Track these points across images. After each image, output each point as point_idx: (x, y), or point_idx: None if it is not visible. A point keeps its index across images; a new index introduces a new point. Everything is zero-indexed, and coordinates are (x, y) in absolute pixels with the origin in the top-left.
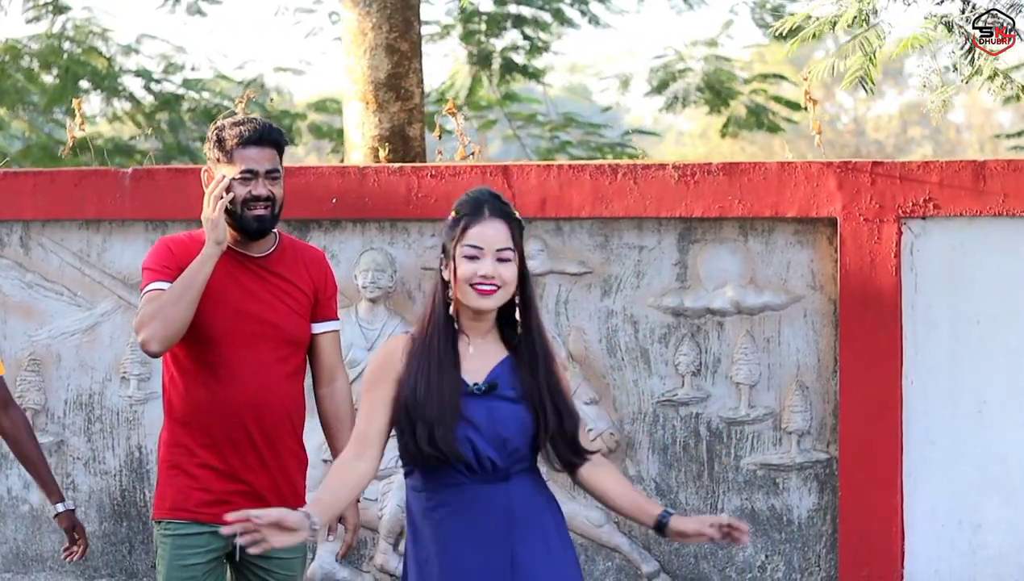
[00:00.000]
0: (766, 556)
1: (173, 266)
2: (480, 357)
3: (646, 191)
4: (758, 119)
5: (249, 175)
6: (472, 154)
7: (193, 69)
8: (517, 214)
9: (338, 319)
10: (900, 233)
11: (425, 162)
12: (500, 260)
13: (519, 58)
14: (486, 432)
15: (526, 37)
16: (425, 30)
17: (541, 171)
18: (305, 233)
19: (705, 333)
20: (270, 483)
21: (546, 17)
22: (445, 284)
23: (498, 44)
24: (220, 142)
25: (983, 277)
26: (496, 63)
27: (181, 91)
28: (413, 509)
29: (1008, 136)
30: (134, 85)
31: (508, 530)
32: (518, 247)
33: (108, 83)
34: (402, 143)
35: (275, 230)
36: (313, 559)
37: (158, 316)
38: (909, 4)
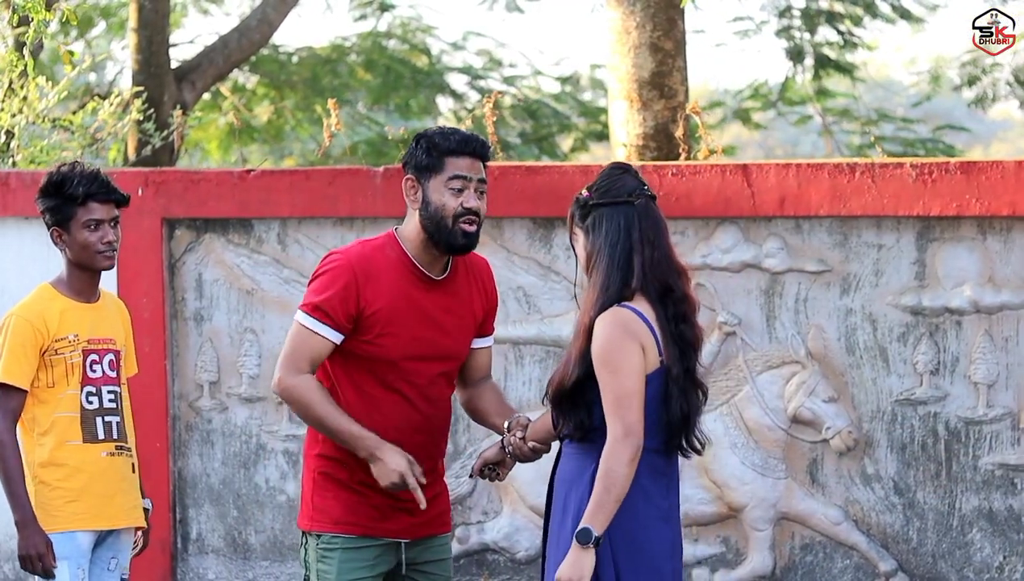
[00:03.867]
0: (1004, 557)
1: (341, 313)
2: None
3: (884, 190)
4: None
5: (460, 184)
6: (714, 153)
7: (511, 66)
8: None
9: (493, 331)
10: None
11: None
12: None
13: (832, 53)
14: None
15: (839, 32)
16: (739, 26)
17: (780, 170)
18: (550, 231)
19: (943, 332)
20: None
21: (858, 11)
22: None
23: (812, 39)
24: (432, 147)
25: None
26: (809, 58)
27: (503, 88)
28: None
29: None
30: (456, 82)
31: (555, 488)
32: None
33: (431, 80)
34: (666, 141)
35: None
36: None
37: (299, 406)
38: None
